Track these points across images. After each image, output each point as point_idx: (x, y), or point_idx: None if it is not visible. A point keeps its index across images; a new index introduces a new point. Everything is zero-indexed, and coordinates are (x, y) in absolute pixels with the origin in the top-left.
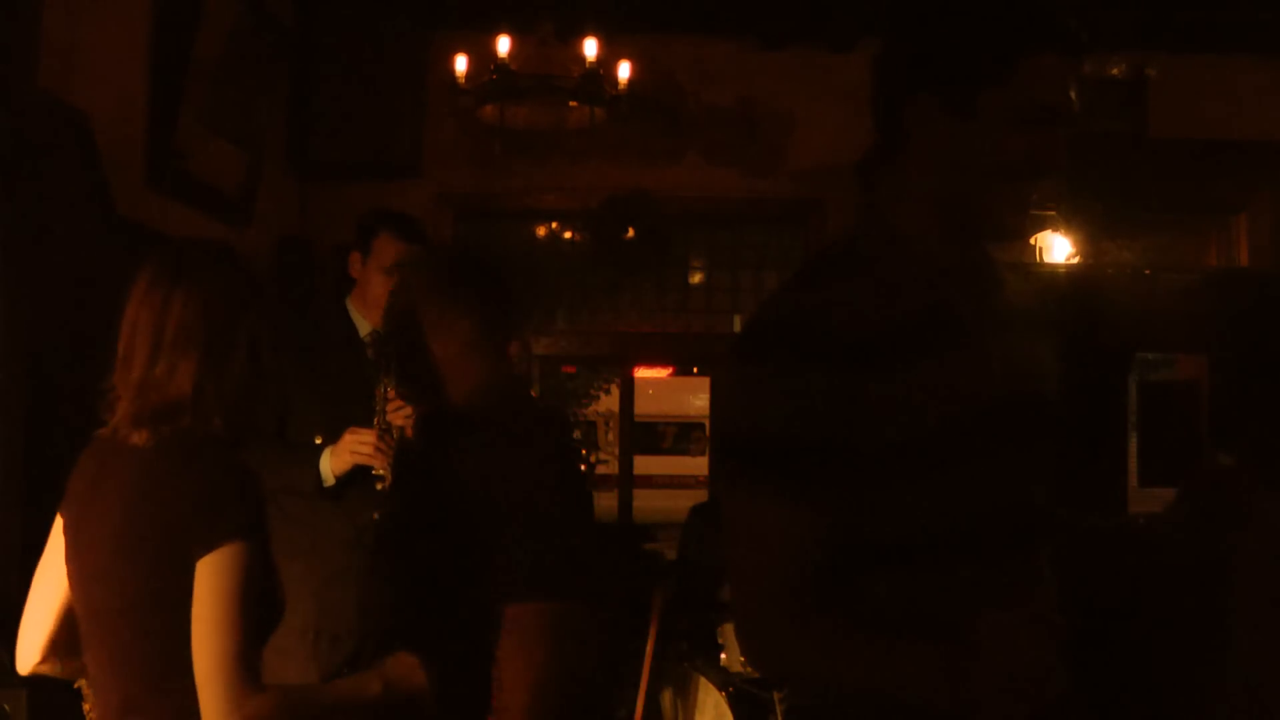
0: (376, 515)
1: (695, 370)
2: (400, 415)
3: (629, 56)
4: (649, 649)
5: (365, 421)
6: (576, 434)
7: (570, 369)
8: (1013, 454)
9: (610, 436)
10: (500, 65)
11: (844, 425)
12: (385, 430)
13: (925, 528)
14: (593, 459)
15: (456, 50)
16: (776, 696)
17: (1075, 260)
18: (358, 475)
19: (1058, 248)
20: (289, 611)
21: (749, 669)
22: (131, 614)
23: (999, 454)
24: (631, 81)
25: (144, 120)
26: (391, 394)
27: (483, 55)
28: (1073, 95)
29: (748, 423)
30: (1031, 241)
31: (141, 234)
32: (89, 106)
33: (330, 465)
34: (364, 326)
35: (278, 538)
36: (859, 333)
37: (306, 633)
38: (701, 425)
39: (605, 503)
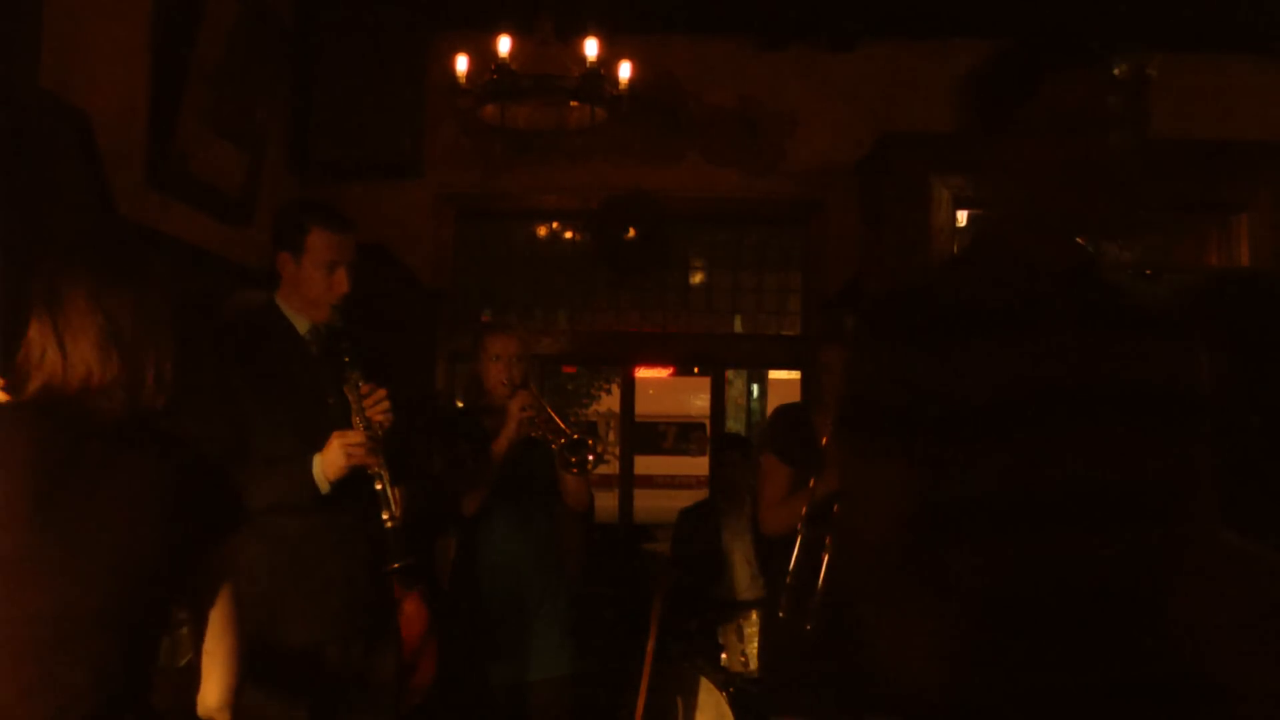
0: (386, 517)
1: (695, 370)
2: (379, 410)
3: (629, 56)
4: (649, 649)
5: (333, 420)
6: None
7: (570, 369)
8: (1076, 434)
9: (610, 436)
10: (501, 65)
11: (928, 393)
12: (368, 426)
13: (994, 493)
14: (600, 449)
15: (457, 50)
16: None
17: None
18: (349, 479)
19: None
20: (281, 630)
21: (749, 669)
22: (153, 606)
23: (1060, 432)
24: (632, 81)
25: (145, 120)
26: (365, 389)
27: (483, 55)
28: (1119, 97)
29: (853, 389)
30: None
31: (141, 233)
32: (89, 106)
33: (323, 472)
34: (301, 324)
35: (261, 560)
36: (945, 313)
37: (300, 649)
38: (702, 425)
39: (605, 503)
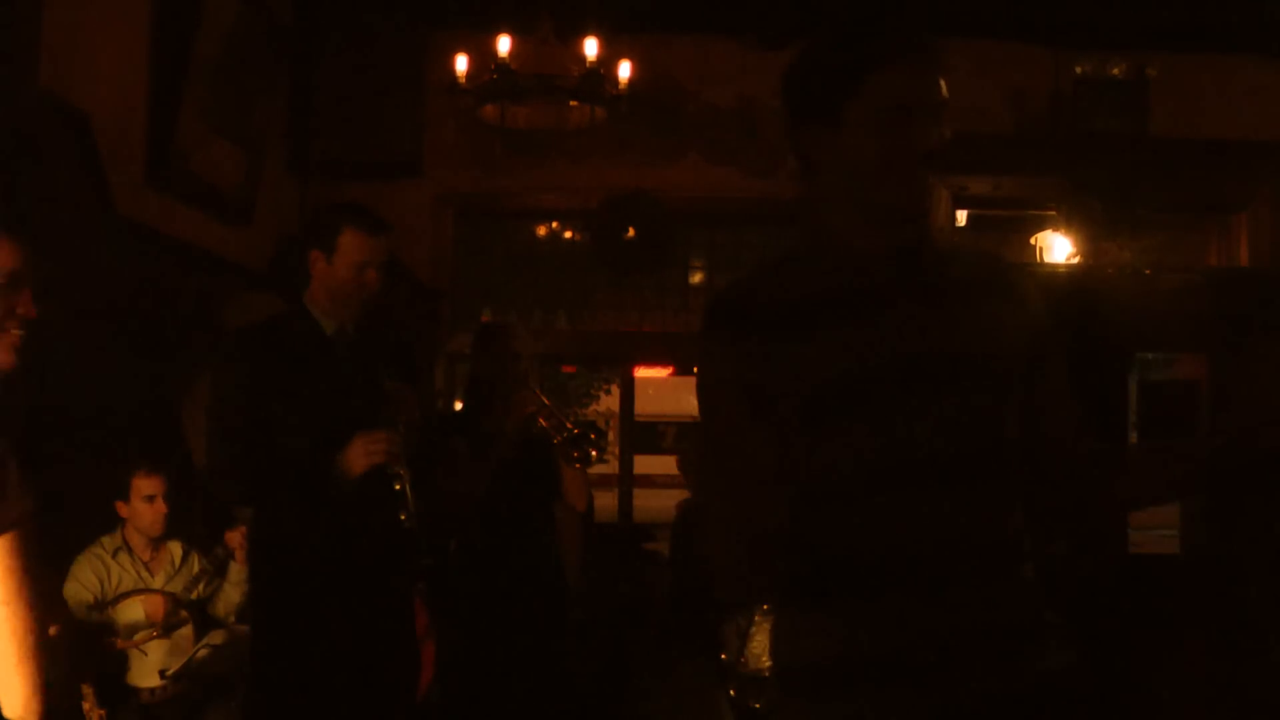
0: (404, 517)
1: (695, 370)
2: (402, 409)
3: (629, 56)
4: (649, 649)
5: (357, 419)
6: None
7: (570, 369)
8: (911, 403)
9: (610, 436)
10: (501, 65)
11: (771, 378)
12: (393, 427)
13: (842, 466)
14: (602, 442)
15: (457, 50)
16: None
17: (1075, 260)
18: (370, 478)
19: (1058, 248)
20: (298, 626)
21: (749, 668)
22: None
23: (894, 403)
24: (632, 81)
25: (144, 120)
26: (389, 388)
27: (483, 55)
28: (938, 84)
29: (703, 380)
30: (1032, 241)
31: (141, 233)
32: (89, 106)
33: (344, 471)
34: (328, 324)
35: (279, 557)
36: (774, 307)
37: (316, 645)
38: None
39: (605, 503)
